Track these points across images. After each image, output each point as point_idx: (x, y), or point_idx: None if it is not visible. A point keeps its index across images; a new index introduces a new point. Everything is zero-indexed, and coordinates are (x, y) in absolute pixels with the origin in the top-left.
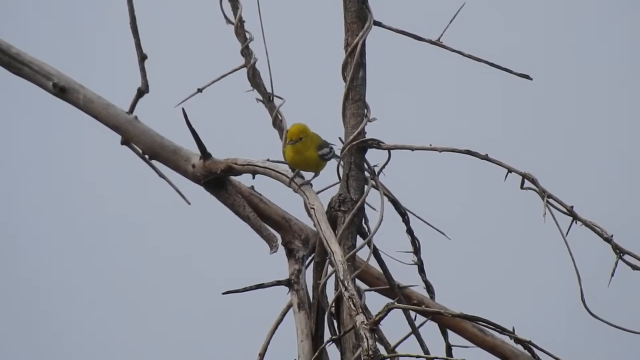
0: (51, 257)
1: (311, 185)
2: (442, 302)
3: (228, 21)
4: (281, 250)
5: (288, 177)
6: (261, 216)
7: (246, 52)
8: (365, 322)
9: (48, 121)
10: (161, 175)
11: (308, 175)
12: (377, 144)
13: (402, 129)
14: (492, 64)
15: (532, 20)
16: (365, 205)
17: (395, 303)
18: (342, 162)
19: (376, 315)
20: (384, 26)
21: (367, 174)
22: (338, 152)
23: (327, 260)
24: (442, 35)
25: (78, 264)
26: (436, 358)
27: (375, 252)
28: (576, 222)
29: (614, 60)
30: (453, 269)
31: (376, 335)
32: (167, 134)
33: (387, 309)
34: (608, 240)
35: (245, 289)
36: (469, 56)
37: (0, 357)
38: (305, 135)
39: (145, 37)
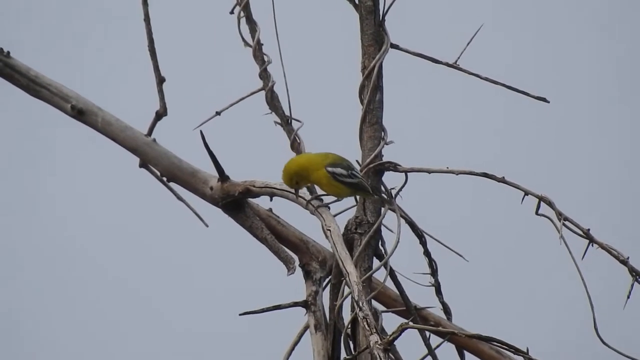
0: (64, 278)
1: (328, 207)
2: (459, 323)
3: (246, 44)
4: (298, 272)
5: (305, 200)
6: (279, 238)
7: (264, 75)
8: (379, 342)
9: (65, 143)
10: (179, 198)
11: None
12: (394, 167)
13: (419, 151)
14: (509, 87)
15: (550, 43)
16: (382, 228)
17: (410, 323)
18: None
19: (390, 335)
20: (400, 49)
21: (384, 196)
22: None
23: (344, 282)
24: (459, 58)
25: (92, 285)
26: None
27: (392, 274)
28: (592, 245)
29: (631, 83)
30: (470, 290)
31: (391, 356)
32: (185, 156)
33: (401, 329)
34: (624, 262)
35: (262, 310)
36: (486, 79)
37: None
38: (302, 168)
39: (164, 59)
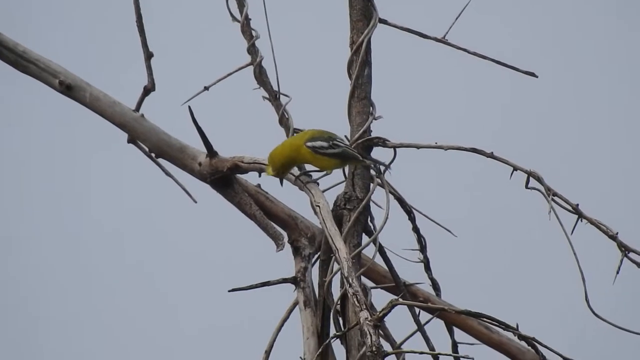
0: (54, 254)
1: (317, 183)
2: (449, 299)
3: (234, 19)
4: (287, 248)
5: (294, 176)
6: (267, 214)
7: (252, 50)
8: (369, 318)
9: (53, 119)
10: (167, 174)
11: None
12: (382, 142)
13: (407, 127)
14: (497, 62)
15: (538, 18)
16: (371, 204)
17: (400, 299)
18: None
19: (380, 312)
20: (389, 24)
21: (372, 172)
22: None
23: (333, 258)
24: (447, 32)
25: (80, 261)
26: (441, 355)
27: (381, 250)
28: (581, 220)
29: (619, 58)
30: (459, 266)
31: (380, 332)
32: (174, 132)
33: (391, 305)
34: (613, 238)
35: (251, 287)
36: (475, 54)
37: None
38: (286, 157)
39: (152, 35)
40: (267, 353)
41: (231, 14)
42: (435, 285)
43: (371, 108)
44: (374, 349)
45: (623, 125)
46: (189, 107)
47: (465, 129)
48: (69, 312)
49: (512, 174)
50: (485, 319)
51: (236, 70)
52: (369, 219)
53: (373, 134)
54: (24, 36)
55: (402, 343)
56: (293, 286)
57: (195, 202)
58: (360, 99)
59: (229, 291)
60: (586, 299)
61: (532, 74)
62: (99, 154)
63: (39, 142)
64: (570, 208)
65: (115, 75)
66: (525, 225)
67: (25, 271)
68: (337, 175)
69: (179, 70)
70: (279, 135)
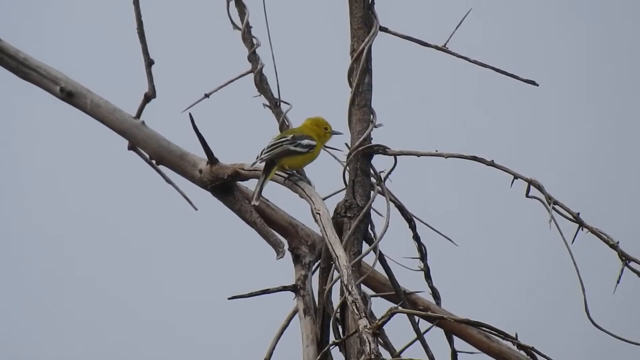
0: (56, 257)
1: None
2: (449, 308)
3: (235, 27)
4: (288, 255)
5: (283, 176)
6: (268, 222)
7: (253, 58)
8: (368, 326)
9: (54, 126)
10: (168, 181)
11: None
12: (383, 150)
13: (408, 134)
14: (498, 70)
15: (538, 27)
16: (372, 211)
17: (399, 308)
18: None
19: (379, 320)
20: (390, 32)
21: (373, 180)
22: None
23: (333, 266)
24: (448, 41)
25: (80, 265)
26: None
27: (381, 258)
28: (582, 229)
29: (621, 67)
30: (459, 275)
31: (380, 340)
32: (174, 139)
33: (390, 314)
34: (614, 247)
35: (251, 294)
36: (475, 62)
37: None
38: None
39: (152, 42)
40: None
41: (232, 22)
42: (435, 294)
43: (371, 116)
44: (373, 356)
45: (625, 133)
46: (190, 114)
47: (465, 137)
48: (66, 317)
49: (512, 182)
50: (484, 328)
51: (237, 78)
52: (369, 226)
53: (373, 142)
54: (25, 43)
55: (401, 351)
56: (293, 294)
57: (196, 209)
58: (361, 106)
59: (229, 298)
60: (586, 309)
61: (533, 82)
62: (99, 160)
63: (39, 149)
64: (571, 217)
65: (116, 82)
66: (526, 234)
67: (29, 274)
68: (338, 183)
69: (180, 78)
70: None
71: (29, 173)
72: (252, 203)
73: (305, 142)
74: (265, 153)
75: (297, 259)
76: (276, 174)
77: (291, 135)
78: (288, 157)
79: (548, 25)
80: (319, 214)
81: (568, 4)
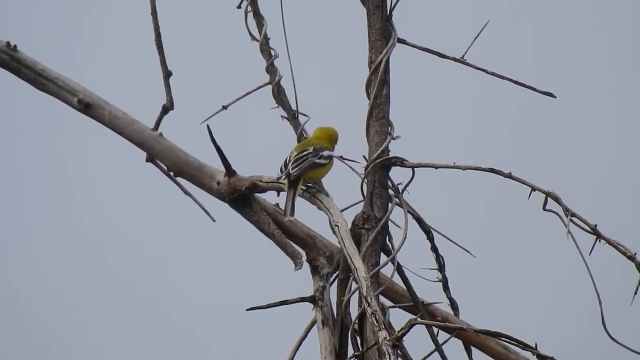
0: (69, 273)
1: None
2: (467, 319)
3: (253, 38)
4: (306, 267)
5: (301, 189)
6: (286, 233)
7: (271, 69)
8: (388, 338)
9: (71, 137)
10: (186, 193)
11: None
12: (400, 162)
13: (426, 146)
14: (516, 82)
15: (556, 38)
16: (390, 223)
17: (418, 319)
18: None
19: (398, 331)
20: (407, 44)
21: (391, 191)
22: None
23: (351, 277)
24: (466, 52)
25: (97, 281)
26: None
27: (400, 270)
28: (600, 241)
29: (638, 79)
30: (478, 286)
31: (399, 352)
32: (192, 150)
33: (410, 325)
34: (632, 258)
35: (269, 306)
36: (493, 74)
37: None
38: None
39: (170, 53)
40: None
41: (250, 33)
42: (453, 305)
43: (389, 128)
44: None
45: None
46: (208, 126)
47: (483, 149)
48: (84, 328)
49: (530, 194)
50: (504, 339)
51: (255, 90)
52: (387, 238)
53: (391, 154)
54: (42, 55)
55: None
56: (311, 305)
57: (214, 220)
58: (379, 118)
59: (247, 310)
60: (602, 322)
61: (550, 94)
62: (117, 172)
63: (56, 160)
64: (588, 229)
65: (134, 94)
66: (543, 246)
67: (36, 278)
68: (356, 195)
69: (198, 89)
70: None
71: (45, 185)
72: (287, 219)
73: (326, 153)
74: (294, 168)
75: (315, 270)
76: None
77: (312, 148)
78: (313, 170)
79: (567, 35)
80: (337, 225)
81: (587, 14)
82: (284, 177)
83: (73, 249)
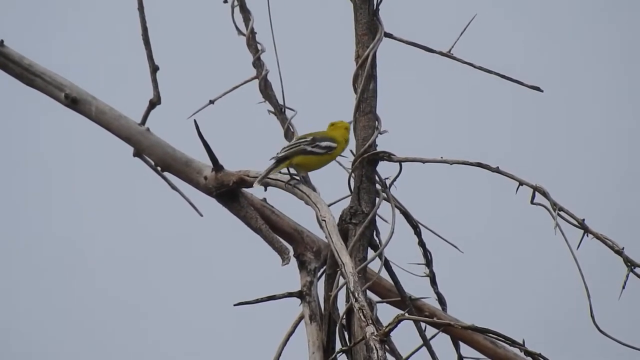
0: (58, 261)
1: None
2: (454, 314)
3: (240, 32)
4: (293, 262)
5: (283, 181)
6: (273, 228)
7: (258, 64)
8: (375, 333)
9: (59, 132)
10: (173, 187)
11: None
12: (388, 157)
13: (413, 141)
14: (503, 76)
15: (543, 32)
16: (377, 218)
17: (406, 314)
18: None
19: (386, 327)
20: (394, 38)
21: (378, 186)
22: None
23: (339, 272)
24: (453, 47)
25: (86, 275)
26: None
27: (387, 265)
28: (587, 235)
29: (627, 73)
30: (465, 281)
31: (386, 347)
32: (179, 145)
33: (397, 320)
34: (619, 253)
35: (257, 301)
36: (480, 68)
37: None
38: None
39: (157, 48)
40: None
41: (237, 28)
42: (441, 300)
43: (376, 122)
44: None
45: (630, 140)
46: (195, 120)
47: (470, 144)
48: (68, 319)
49: (517, 188)
50: (491, 335)
51: (242, 84)
52: (374, 233)
53: (378, 148)
54: (29, 50)
55: (407, 358)
56: (299, 300)
57: (202, 215)
58: (366, 113)
59: (235, 305)
60: (591, 315)
61: (538, 89)
62: (104, 167)
63: (43, 156)
64: (576, 223)
65: (121, 89)
66: (531, 240)
67: (22, 277)
68: (343, 189)
69: (185, 84)
70: None
71: (32, 179)
72: (254, 185)
73: (325, 143)
74: (283, 150)
75: (302, 265)
76: (277, 179)
77: (311, 137)
78: (303, 156)
79: (554, 29)
80: (324, 220)
81: (574, 8)
82: (271, 159)
83: (58, 244)
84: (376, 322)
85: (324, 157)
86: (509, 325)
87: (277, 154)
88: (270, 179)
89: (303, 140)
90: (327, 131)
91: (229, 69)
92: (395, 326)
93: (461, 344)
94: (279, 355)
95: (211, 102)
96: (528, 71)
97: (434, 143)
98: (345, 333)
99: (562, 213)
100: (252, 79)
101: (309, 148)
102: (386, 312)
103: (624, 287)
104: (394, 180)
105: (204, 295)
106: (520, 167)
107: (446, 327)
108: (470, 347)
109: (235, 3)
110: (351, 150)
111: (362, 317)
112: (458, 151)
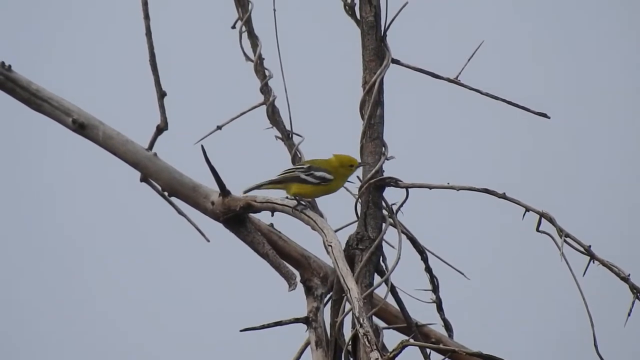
0: (63, 285)
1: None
2: (461, 340)
3: (247, 58)
4: (300, 287)
5: (290, 207)
6: (280, 254)
7: (265, 90)
8: (380, 359)
9: (66, 157)
10: (180, 213)
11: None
12: (394, 182)
13: (420, 167)
14: (510, 103)
15: (551, 60)
16: (383, 244)
17: (411, 340)
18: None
19: (390, 352)
20: (402, 64)
21: (385, 212)
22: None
23: (345, 298)
24: (460, 73)
25: (94, 301)
26: None
27: (393, 290)
28: (593, 262)
29: (634, 101)
30: (471, 307)
31: None
32: (187, 171)
33: (402, 346)
34: (625, 279)
35: (263, 326)
36: (487, 94)
37: None
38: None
39: (165, 74)
40: None
41: (244, 54)
42: (447, 326)
43: (383, 148)
44: None
45: (637, 166)
46: (202, 146)
47: (477, 170)
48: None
49: (524, 214)
50: None
51: (249, 110)
52: (381, 259)
53: (385, 174)
54: (37, 75)
55: None
56: (305, 326)
57: (208, 240)
58: (373, 139)
59: (241, 331)
60: (595, 345)
61: (545, 115)
62: (111, 192)
63: (50, 181)
64: (582, 249)
65: (129, 114)
66: (537, 267)
67: (30, 304)
68: (350, 215)
69: (192, 110)
70: None
71: (38, 205)
72: (242, 193)
73: (320, 174)
74: (278, 175)
75: (309, 290)
76: (284, 205)
77: (308, 165)
78: (297, 184)
79: (561, 56)
80: (330, 246)
81: (581, 35)
82: (265, 182)
83: (65, 269)
84: (382, 348)
85: (317, 187)
86: (515, 352)
87: (277, 175)
88: (278, 204)
89: (299, 167)
90: (330, 161)
91: (236, 95)
92: (400, 352)
93: None
94: None
95: (219, 127)
96: (535, 98)
97: (440, 169)
98: (351, 359)
99: (568, 239)
100: (260, 104)
101: (302, 176)
102: (393, 338)
103: (629, 314)
104: (401, 206)
105: (210, 320)
106: (527, 194)
107: (452, 354)
108: None
109: (243, 29)
110: (358, 176)
111: (366, 342)
112: (465, 177)
